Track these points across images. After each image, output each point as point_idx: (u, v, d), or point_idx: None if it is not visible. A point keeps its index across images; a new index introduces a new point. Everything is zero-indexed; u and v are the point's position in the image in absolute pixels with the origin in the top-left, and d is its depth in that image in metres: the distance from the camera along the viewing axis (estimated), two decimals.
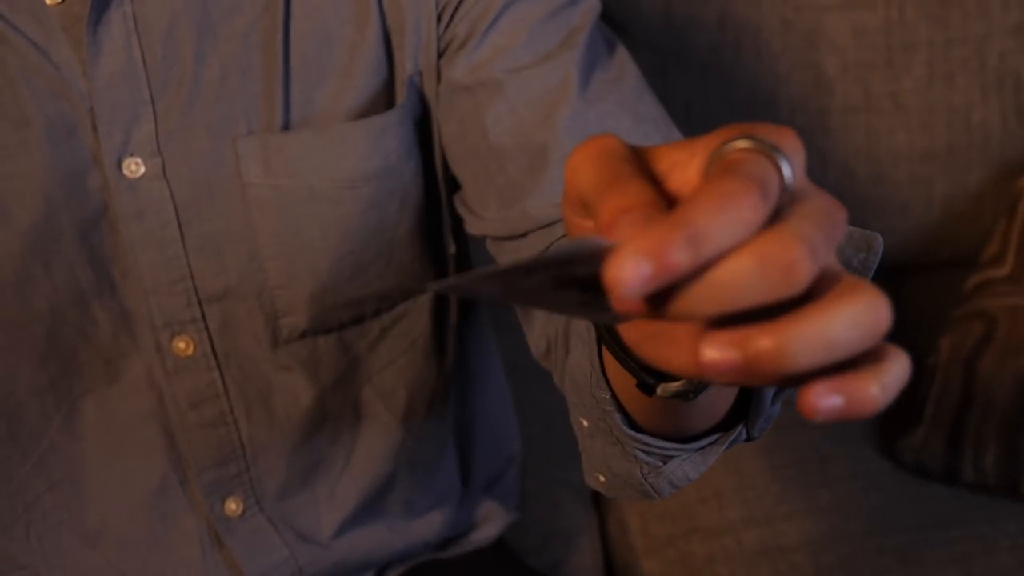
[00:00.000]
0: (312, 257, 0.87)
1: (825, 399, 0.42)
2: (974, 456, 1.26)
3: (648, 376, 0.59)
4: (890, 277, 1.53)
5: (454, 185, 0.92)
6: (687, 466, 0.73)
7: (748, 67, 1.46)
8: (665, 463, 0.72)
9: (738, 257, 0.41)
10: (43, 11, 0.80)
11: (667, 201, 0.45)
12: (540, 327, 0.84)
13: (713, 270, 0.42)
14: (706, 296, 0.42)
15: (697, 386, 0.58)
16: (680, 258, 0.40)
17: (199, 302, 0.88)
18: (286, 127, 0.85)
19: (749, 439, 0.72)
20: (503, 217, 0.85)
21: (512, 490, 1.15)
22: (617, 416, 0.69)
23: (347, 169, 0.86)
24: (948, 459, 1.28)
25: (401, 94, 0.87)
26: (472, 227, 0.89)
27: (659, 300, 0.42)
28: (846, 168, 1.49)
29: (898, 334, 1.45)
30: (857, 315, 0.42)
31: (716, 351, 0.42)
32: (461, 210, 0.90)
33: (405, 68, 0.86)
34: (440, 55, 0.86)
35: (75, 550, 0.94)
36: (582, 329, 0.74)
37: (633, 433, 0.69)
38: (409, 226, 0.90)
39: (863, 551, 1.23)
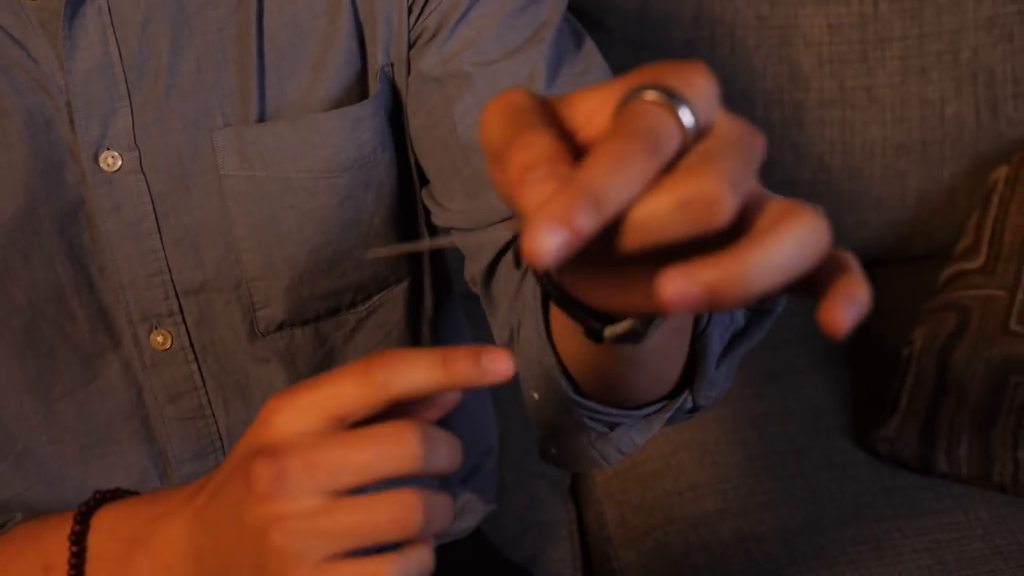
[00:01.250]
0: (289, 249, 0.88)
1: (846, 318, 0.45)
2: (947, 446, 1.27)
3: (595, 321, 0.59)
4: (865, 268, 1.54)
5: (423, 177, 0.92)
6: (633, 433, 0.75)
7: (723, 62, 1.46)
8: (612, 430, 0.74)
9: (656, 199, 0.44)
10: (20, 6, 0.80)
11: (586, 147, 0.47)
12: (503, 316, 0.84)
13: (633, 213, 0.44)
14: (630, 235, 0.45)
15: (644, 326, 0.58)
16: (586, 222, 0.43)
17: (176, 295, 0.88)
18: (261, 119, 0.85)
19: (696, 409, 0.73)
20: (468, 209, 0.85)
21: (489, 482, 1.15)
22: (563, 381, 0.71)
23: (322, 160, 0.86)
24: (922, 449, 1.29)
25: (374, 85, 0.87)
26: (438, 219, 0.89)
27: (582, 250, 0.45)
28: (821, 162, 1.50)
29: (872, 326, 1.45)
30: (802, 234, 0.44)
31: (677, 286, 0.44)
32: (427, 202, 0.91)
33: (377, 59, 0.87)
34: (410, 47, 0.87)
35: None
36: (530, 300, 0.75)
37: (579, 399, 0.71)
38: (385, 217, 0.91)
39: (838, 541, 1.24)
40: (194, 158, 0.85)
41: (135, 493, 0.67)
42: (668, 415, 0.74)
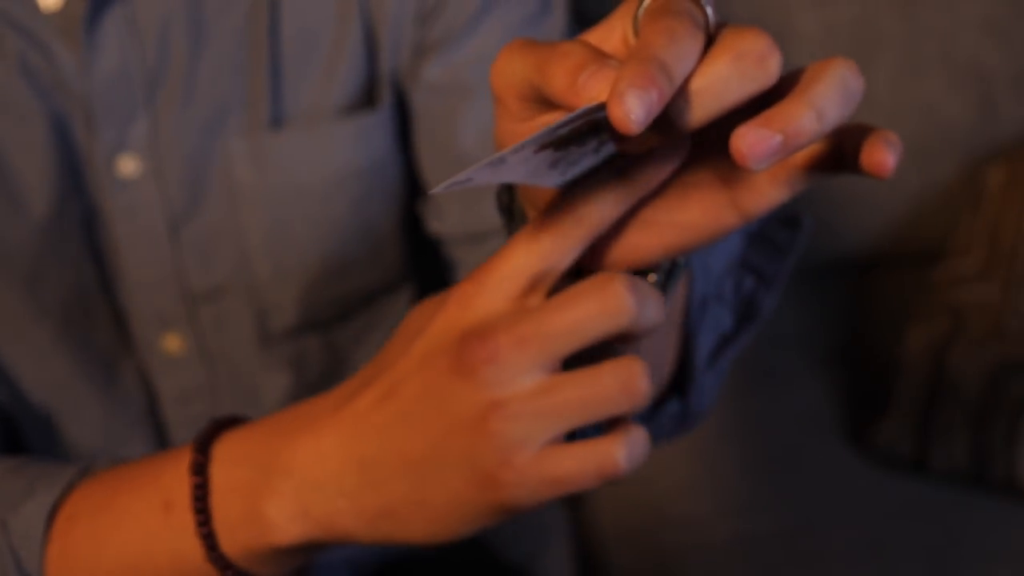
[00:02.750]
0: (301, 254, 0.88)
1: (890, 152, 0.47)
2: (942, 446, 1.28)
3: None
4: (859, 270, 1.55)
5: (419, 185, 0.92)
6: None
7: None
8: (601, 433, 0.74)
9: (713, 62, 0.46)
10: (42, 12, 0.80)
11: None
12: None
13: (694, 80, 0.46)
14: (695, 104, 0.46)
15: (662, 285, 0.58)
16: (664, 85, 0.44)
17: (189, 300, 0.88)
18: (275, 125, 0.86)
19: (687, 420, 0.73)
20: (464, 219, 0.86)
21: None
22: None
23: (335, 167, 0.87)
24: (917, 449, 1.29)
25: (383, 92, 0.88)
26: (433, 227, 0.90)
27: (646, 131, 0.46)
28: None
29: (867, 325, 1.45)
30: (842, 71, 0.47)
31: (753, 137, 0.45)
32: (423, 210, 0.91)
33: (386, 67, 0.87)
34: (417, 55, 0.87)
35: None
36: None
37: None
38: (394, 223, 0.91)
39: (833, 541, 1.24)
40: (208, 164, 0.85)
41: (249, 419, 0.60)
42: (657, 421, 0.74)
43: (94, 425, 0.90)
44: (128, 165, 0.84)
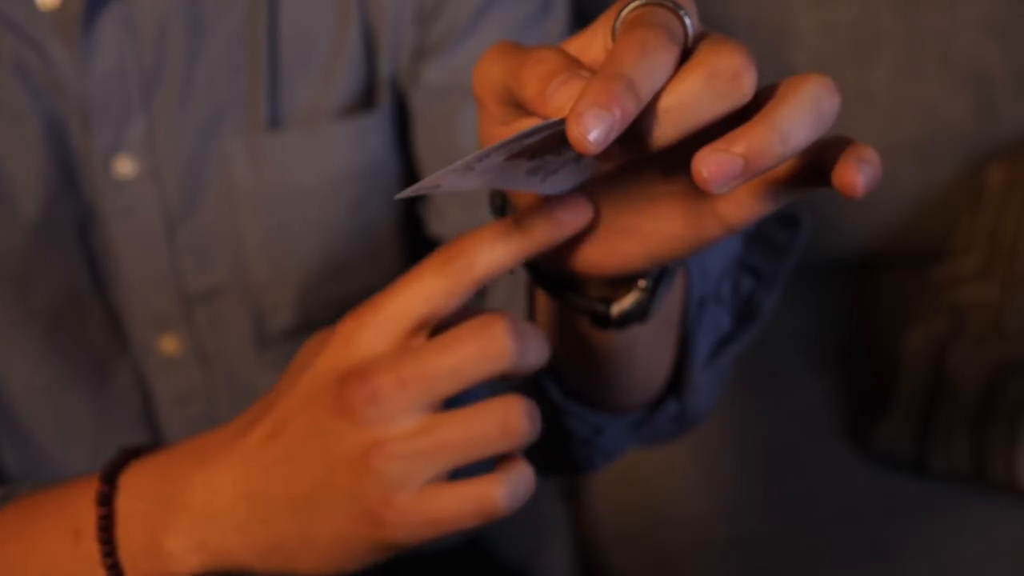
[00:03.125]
0: (298, 255, 0.88)
1: (862, 173, 0.46)
2: (943, 446, 1.28)
3: (599, 304, 0.59)
4: (859, 270, 1.55)
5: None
6: (620, 439, 0.74)
7: None
8: (599, 435, 0.73)
9: (685, 78, 0.45)
10: (38, 12, 0.80)
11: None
12: None
13: (664, 97, 0.45)
14: (664, 123, 0.45)
15: (650, 297, 0.58)
16: (627, 104, 0.43)
17: (186, 301, 0.88)
18: (273, 126, 0.85)
19: (685, 422, 0.73)
20: (464, 221, 0.86)
21: None
22: (551, 384, 0.70)
23: (333, 168, 0.87)
24: (917, 449, 1.29)
25: (382, 93, 0.88)
26: (433, 228, 0.90)
27: (615, 144, 0.45)
28: None
29: (867, 325, 1.45)
30: (815, 91, 0.46)
31: (713, 163, 0.44)
32: (423, 211, 0.91)
33: (385, 68, 0.87)
34: (416, 57, 0.87)
35: None
36: (517, 305, 0.75)
37: (567, 402, 0.70)
38: (393, 225, 0.91)
39: (833, 541, 1.24)
40: (206, 165, 0.85)
41: (159, 448, 0.61)
42: (655, 422, 0.74)
43: (83, 428, 0.90)
44: (125, 166, 0.84)
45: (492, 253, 0.51)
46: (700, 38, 0.48)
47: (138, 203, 0.85)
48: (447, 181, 0.46)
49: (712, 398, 0.75)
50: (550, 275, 0.60)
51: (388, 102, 0.88)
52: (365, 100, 0.88)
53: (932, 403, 1.30)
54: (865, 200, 1.65)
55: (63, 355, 0.87)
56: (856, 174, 0.46)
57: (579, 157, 0.49)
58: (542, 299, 0.65)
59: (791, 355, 1.45)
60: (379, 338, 0.51)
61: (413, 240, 0.94)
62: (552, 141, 0.47)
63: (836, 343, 1.46)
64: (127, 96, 0.82)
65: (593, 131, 0.43)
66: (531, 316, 0.69)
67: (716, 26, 1.61)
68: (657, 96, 0.45)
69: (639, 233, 0.53)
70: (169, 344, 0.89)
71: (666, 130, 0.46)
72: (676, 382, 0.72)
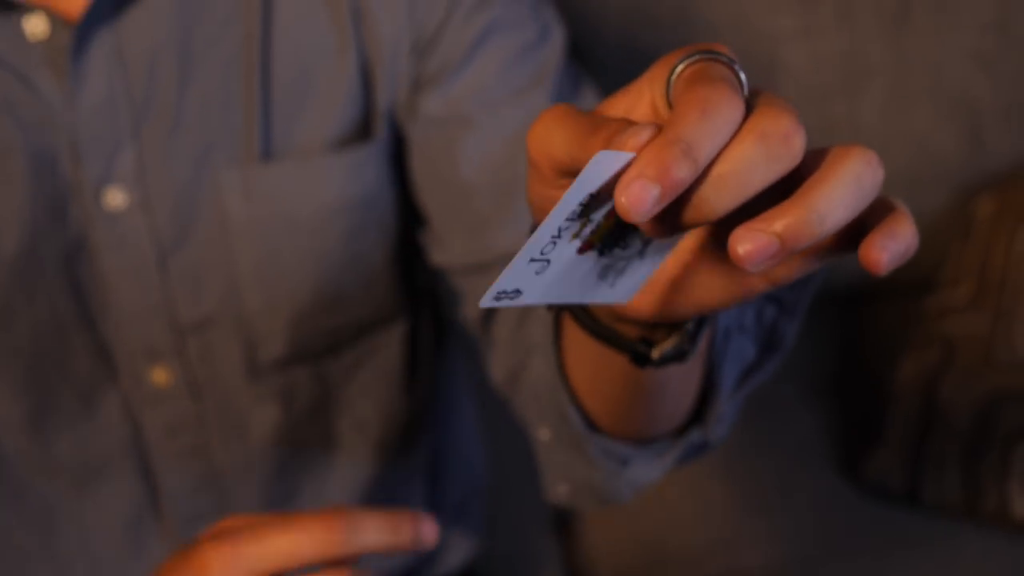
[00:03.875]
0: (291, 286, 0.88)
1: (886, 251, 0.45)
2: (935, 478, 1.27)
3: (640, 345, 0.59)
4: (850, 301, 1.55)
5: (419, 216, 0.92)
6: (647, 468, 0.74)
7: None
8: (624, 466, 0.73)
9: (738, 144, 0.44)
10: (26, 43, 0.80)
11: None
12: (501, 356, 0.84)
13: (718, 164, 0.44)
14: (721, 191, 0.44)
15: (691, 338, 0.58)
16: (682, 173, 0.43)
17: (177, 332, 0.88)
18: (266, 157, 0.85)
19: (706, 445, 0.73)
20: (470, 248, 0.86)
21: (479, 518, 1.15)
22: (577, 417, 0.70)
23: (326, 199, 0.86)
24: (909, 481, 1.28)
25: (379, 125, 0.88)
26: (436, 257, 0.89)
27: (671, 212, 0.45)
28: None
29: (858, 356, 1.44)
30: (857, 169, 0.45)
31: (750, 241, 0.44)
32: (425, 241, 0.91)
33: (382, 100, 0.87)
34: (414, 89, 0.87)
35: None
36: (539, 339, 0.75)
37: (594, 434, 0.70)
38: (386, 256, 0.91)
39: (827, 573, 1.24)
40: (198, 195, 0.85)
41: None
42: (680, 450, 0.73)
43: (65, 458, 0.90)
44: (116, 197, 0.83)
45: (369, 540, 0.56)
46: (752, 95, 0.47)
47: (129, 234, 0.84)
48: (524, 286, 0.46)
49: (731, 422, 0.75)
50: (585, 312, 0.60)
51: (383, 134, 0.88)
52: (360, 132, 0.88)
53: (924, 435, 1.30)
54: None
55: (46, 387, 0.87)
56: (880, 253, 0.45)
57: (643, 250, 0.49)
58: (572, 331, 0.65)
59: (783, 386, 1.45)
60: (232, 574, 0.56)
61: (406, 271, 0.94)
62: (616, 222, 0.46)
63: (827, 374, 1.46)
64: (117, 127, 0.82)
65: (641, 200, 0.42)
66: (556, 347, 0.69)
67: None
68: (712, 164, 0.45)
69: (686, 286, 0.53)
70: (160, 375, 0.88)
71: (723, 198, 0.45)
72: (700, 411, 0.72)
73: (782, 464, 1.36)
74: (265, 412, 0.93)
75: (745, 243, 0.44)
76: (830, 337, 1.51)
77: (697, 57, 0.47)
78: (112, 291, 0.85)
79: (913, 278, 1.56)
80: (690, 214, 0.45)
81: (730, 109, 0.44)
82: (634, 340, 0.59)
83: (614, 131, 0.45)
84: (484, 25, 0.85)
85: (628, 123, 0.45)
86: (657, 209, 0.43)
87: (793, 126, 0.44)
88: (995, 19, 1.46)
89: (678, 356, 0.59)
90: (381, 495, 1.01)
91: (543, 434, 0.77)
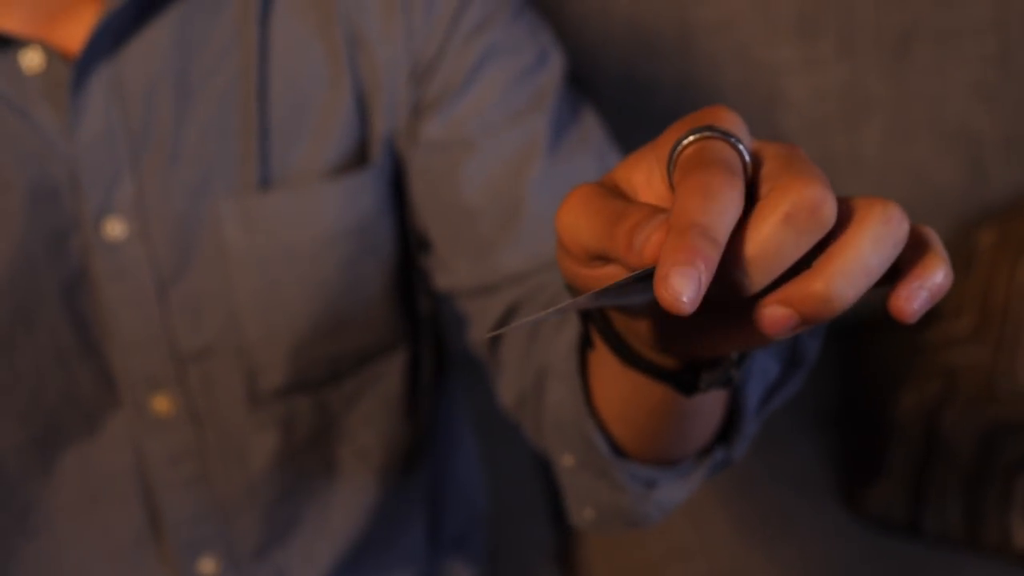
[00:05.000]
0: (290, 314, 0.88)
1: (915, 301, 0.45)
2: (937, 509, 1.27)
3: (686, 374, 0.60)
4: (851, 332, 1.55)
5: (422, 241, 0.92)
6: (673, 489, 0.74)
7: None
8: (651, 488, 0.73)
9: (763, 226, 0.45)
10: (24, 77, 0.80)
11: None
12: (511, 378, 0.84)
13: (748, 247, 0.45)
14: (754, 274, 0.45)
15: (737, 366, 0.59)
16: (709, 251, 0.43)
17: (178, 361, 0.88)
18: (263, 186, 0.86)
19: (729, 461, 0.73)
20: (475, 271, 0.86)
21: (479, 548, 1.15)
22: (604, 444, 0.70)
23: (324, 227, 0.87)
24: (911, 512, 1.28)
25: (376, 152, 0.88)
26: (441, 282, 0.90)
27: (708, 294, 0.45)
28: None
29: (859, 388, 1.44)
30: (876, 233, 0.45)
31: (775, 313, 0.46)
32: (429, 266, 0.91)
33: (379, 127, 0.87)
34: (414, 114, 0.87)
35: None
36: (560, 367, 0.75)
37: (620, 460, 0.70)
38: (385, 283, 0.91)
39: None
40: (197, 225, 0.85)
41: None
42: (706, 469, 0.74)
43: (69, 478, 0.90)
44: (115, 228, 0.84)
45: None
46: (761, 155, 0.48)
47: (129, 264, 0.85)
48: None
49: (751, 439, 0.75)
50: (620, 342, 0.60)
51: (381, 161, 0.88)
52: (357, 159, 0.88)
53: (925, 466, 1.29)
54: None
55: (50, 410, 0.87)
56: (909, 304, 0.46)
57: None
58: (602, 359, 0.65)
59: (784, 417, 1.45)
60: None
61: (406, 298, 0.94)
62: (641, 285, 0.47)
63: (829, 405, 1.46)
64: (116, 158, 0.83)
65: (684, 291, 0.43)
66: (583, 371, 0.69)
67: (706, 93, 1.62)
68: (741, 247, 0.45)
69: (728, 328, 0.53)
70: (161, 404, 0.89)
71: (757, 278, 0.46)
72: (724, 430, 0.72)
73: (783, 495, 1.36)
74: (266, 440, 0.93)
75: (767, 315, 0.46)
76: (831, 368, 1.51)
77: (694, 137, 0.47)
78: (113, 320, 0.86)
79: None
80: (728, 294, 0.46)
81: (729, 190, 0.45)
82: (673, 369, 0.59)
83: (634, 226, 0.46)
84: (483, 49, 0.86)
85: (649, 213, 0.46)
86: (701, 294, 0.43)
87: (820, 195, 0.44)
88: (995, 52, 1.47)
89: (724, 383, 0.59)
90: (383, 522, 1.01)
91: (566, 460, 0.77)
